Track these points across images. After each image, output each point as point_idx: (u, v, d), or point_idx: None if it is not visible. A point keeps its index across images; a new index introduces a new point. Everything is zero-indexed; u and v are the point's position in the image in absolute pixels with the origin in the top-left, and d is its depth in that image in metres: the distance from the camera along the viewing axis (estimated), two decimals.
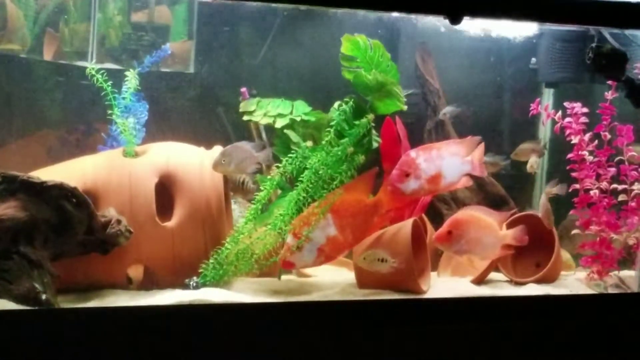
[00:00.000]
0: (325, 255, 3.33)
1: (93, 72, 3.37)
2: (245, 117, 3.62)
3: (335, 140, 3.39)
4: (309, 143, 3.44)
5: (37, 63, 3.92)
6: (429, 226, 3.95)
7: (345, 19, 3.90)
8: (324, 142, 3.39)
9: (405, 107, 3.63)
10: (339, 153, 3.39)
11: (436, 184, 3.32)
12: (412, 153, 3.30)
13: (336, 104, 3.54)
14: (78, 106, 3.88)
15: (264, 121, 3.56)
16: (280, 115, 3.53)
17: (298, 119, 3.52)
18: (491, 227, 3.41)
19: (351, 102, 3.44)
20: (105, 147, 3.62)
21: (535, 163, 4.14)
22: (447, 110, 4.13)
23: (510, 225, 3.57)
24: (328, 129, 3.41)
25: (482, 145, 3.39)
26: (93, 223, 3.04)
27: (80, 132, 3.94)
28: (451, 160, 3.32)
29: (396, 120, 3.56)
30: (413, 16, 3.99)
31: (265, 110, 3.57)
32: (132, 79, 3.46)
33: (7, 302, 2.75)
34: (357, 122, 3.44)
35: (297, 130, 3.55)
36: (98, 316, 2.83)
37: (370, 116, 3.47)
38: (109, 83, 3.37)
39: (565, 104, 3.84)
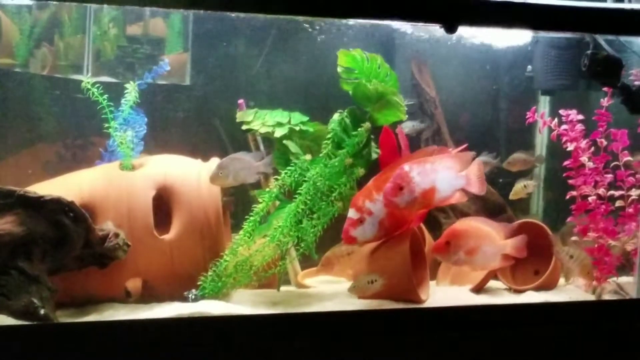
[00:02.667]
0: (385, 229, 3.35)
1: (89, 87, 3.37)
2: (243, 127, 3.61)
3: (333, 151, 3.39)
4: (308, 156, 3.44)
5: (32, 77, 3.92)
6: (427, 235, 3.94)
7: (341, 29, 3.90)
8: (322, 154, 3.39)
9: (405, 117, 3.62)
10: (337, 164, 3.39)
11: (430, 197, 3.30)
12: (406, 167, 3.28)
13: (335, 116, 3.54)
14: (74, 120, 3.87)
15: (263, 130, 3.55)
16: (279, 125, 3.52)
17: (297, 128, 3.51)
18: (490, 237, 3.41)
19: (346, 113, 3.44)
20: (103, 162, 3.62)
21: (531, 186, 4.11)
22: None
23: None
24: (326, 140, 3.42)
25: (480, 161, 3.38)
26: (91, 237, 3.03)
27: (77, 146, 3.93)
28: (445, 174, 3.30)
29: (398, 130, 3.55)
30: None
31: (264, 120, 3.56)
32: (131, 92, 3.46)
33: (6, 317, 2.74)
34: (354, 133, 3.44)
35: (296, 142, 3.55)
36: (97, 330, 2.82)
37: (367, 125, 3.47)
38: (104, 97, 3.37)
39: (561, 111, 3.85)
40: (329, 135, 3.43)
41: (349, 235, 3.32)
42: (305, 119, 3.58)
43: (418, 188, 3.26)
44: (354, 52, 3.49)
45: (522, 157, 4.14)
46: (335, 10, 3.02)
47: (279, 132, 3.51)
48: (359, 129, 3.44)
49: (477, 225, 3.43)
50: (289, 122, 3.53)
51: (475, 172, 3.32)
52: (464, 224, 3.43)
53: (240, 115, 3.64)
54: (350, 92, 3.57)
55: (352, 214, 3.32)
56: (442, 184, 3.29)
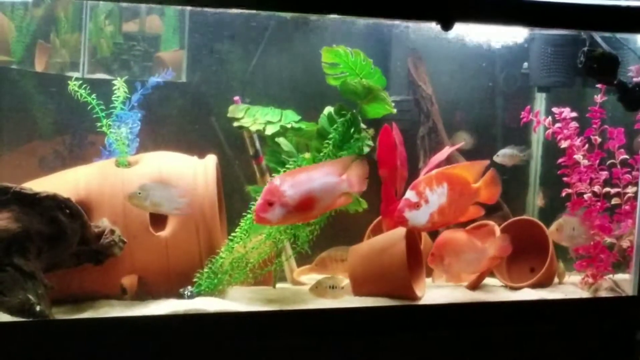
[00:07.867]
0: (432, 222, 3.31)
1: (75, 88, 3.36)
2: (235, 124, 3.60)
3: (332, 152, 3.39)
4: (307, 155, 3.43)
5: (29, 74, 3.91)
6: (423, 233, 3.94)
7: (336, 27, 3.90)
8: (321, 154, 3.38)
9: (394, 110, 3.59)
10: None
11: (309, 207, 3.15)
12: (277, 180, 3.13)
13: (326, 110, 3.54)
14: (70, 117, 3.87)
15: (254, 127, 3.54)
16: (270, 123, 3.51)
17: (288, 126, 3.50)
18: (469, 244, 3.39)
19: (349, 115, 3.44)
20: (101, 159, 3.60)
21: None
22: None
23: (503, 232, 3.59)
24: (327, 141, 3.40)
25: (360, 162, 3.26)
26: (87, 234, 3.03)
27: (74, 143, 3.93)
28: (324, 181, 3.16)
29: (393, 126, 3.55)
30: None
31: (254, 118, 3.55)
32: (120, 89, 3.45)
33: (1, 314, 2.74)
34: (357, 137, 3.44)
35: (290, 139, 3.54)
36: (92, 327, 2.83)
37: (371, 131, 3.47)
38: (94, 95, 3.36)
39: (554, 109, 3.85)
40: (330, 136, 3.42)
41: (402, 214, 3.26)
42: (298, 117, 3.57)
43: (291, 201, 3.10)
44: (337, 48, 3.48)
45: (511, 153, 4.15)
46: (330, 8, 3.03)
47: (269, 130, 3.49)
48: (362, 135, 3.45)
49: (455, 236, 3.41)
50: (280, 120, 3.52)
51: (356, 173, 3.23)
52: (444, 236, 3.42)
53: (231, 110, 3.63)
54: (339, 88, 3.56)
55: (411, 195, 3.25)
56: (322, 192, 3.16)
